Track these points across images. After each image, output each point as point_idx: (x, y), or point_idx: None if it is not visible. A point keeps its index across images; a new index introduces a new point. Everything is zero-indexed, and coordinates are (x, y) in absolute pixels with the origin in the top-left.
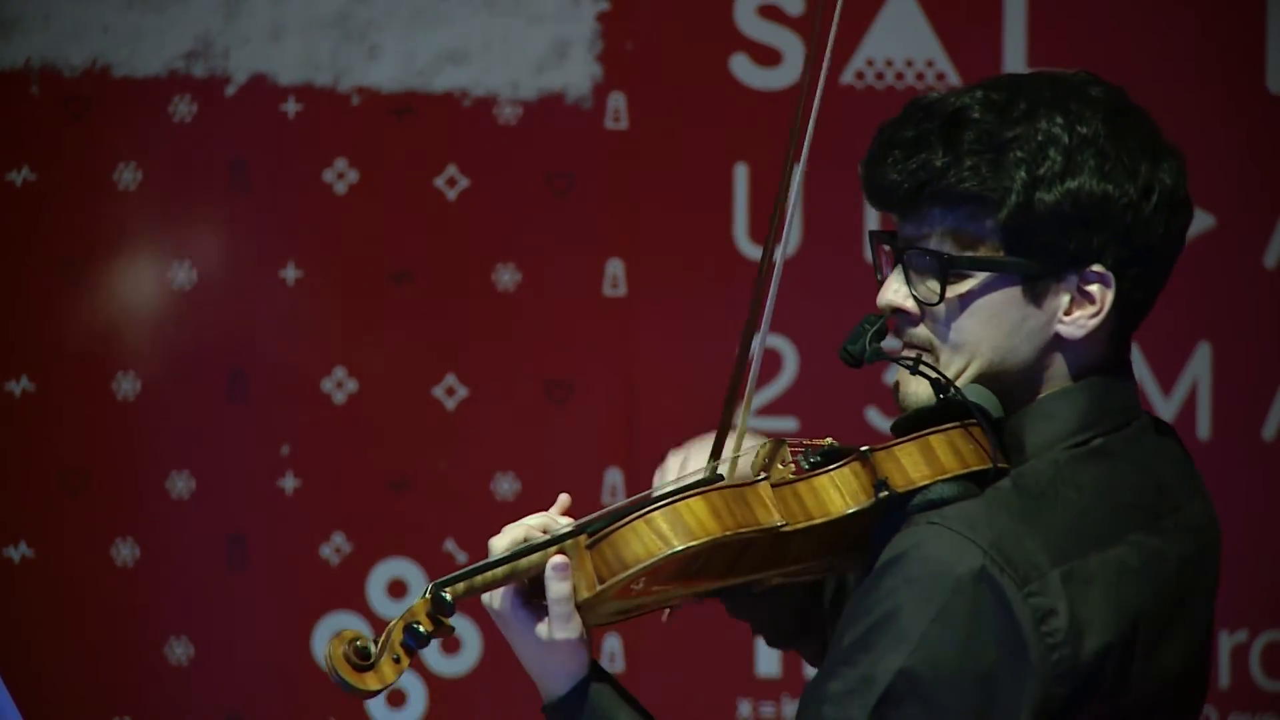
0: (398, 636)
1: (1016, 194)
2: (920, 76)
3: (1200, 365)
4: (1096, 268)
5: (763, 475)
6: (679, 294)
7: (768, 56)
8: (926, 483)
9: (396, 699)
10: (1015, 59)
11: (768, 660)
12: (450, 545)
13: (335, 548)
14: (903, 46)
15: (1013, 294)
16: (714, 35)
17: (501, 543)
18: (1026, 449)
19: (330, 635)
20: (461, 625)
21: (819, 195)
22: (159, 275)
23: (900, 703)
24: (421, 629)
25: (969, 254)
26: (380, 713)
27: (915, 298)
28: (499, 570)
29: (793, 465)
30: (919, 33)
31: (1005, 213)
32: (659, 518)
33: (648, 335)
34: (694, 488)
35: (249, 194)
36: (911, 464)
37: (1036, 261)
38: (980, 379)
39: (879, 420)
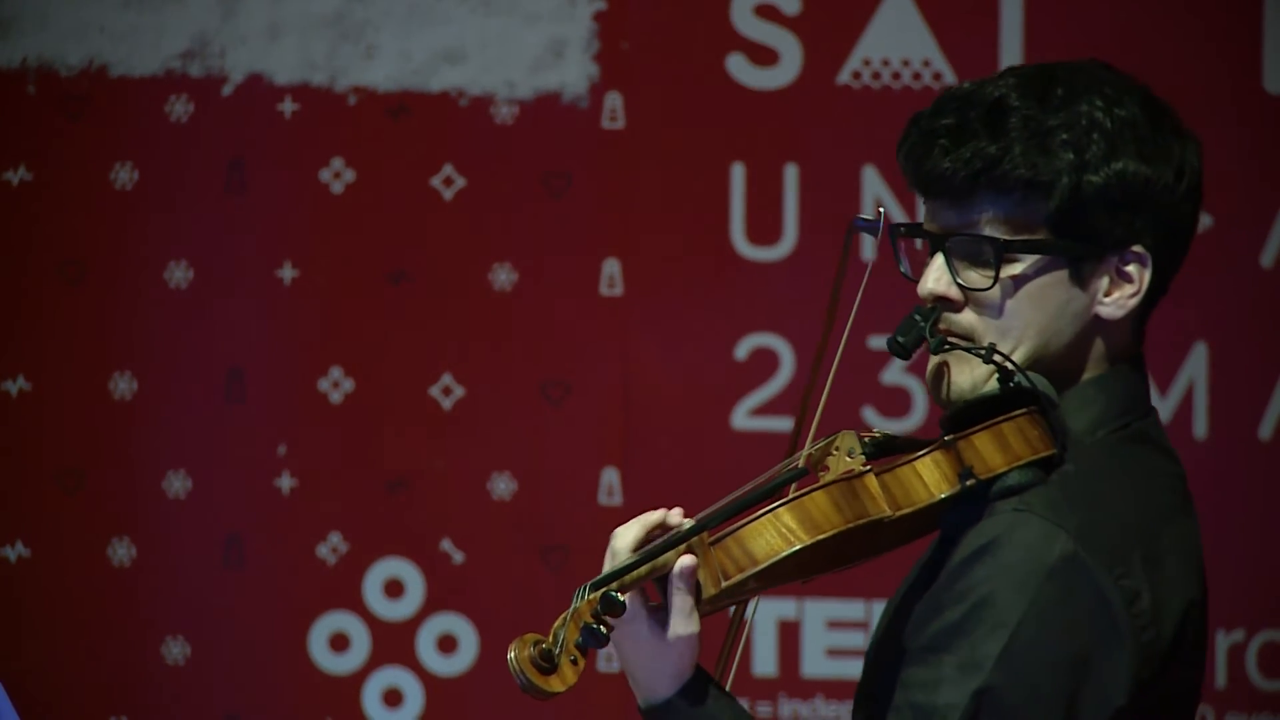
0: (573, 637)
1: (1066, 178)
2: (917, 76)
3: (1197, 365)
4: (1136, 248)
5: (867, 467)
6: (676, 293)
7: (764, 56)
8: (1004, 469)
9: (393, 699)
10: (1012, 59)
11: (764, 660)
12: (447, 544)
13: (332, 547)
14: (899, 46)
15: (1059, 277)
16: (711, 35)
17: (624, 542)
18: (1072, 433)
19: (512, 641)
20: (458, 624)
21: (818, 195)
22: (156, 275)
23: (1000, 688)
24: (602, 630)
25: (1022, 238)
26: (377, 712)
27: (960, 285)
28: (642, 569)
29: (862, 457)
30: (916, 33)
31: (1056, 197)
32: (786, 513)
33: (644, 335)
34: (789, 483)
35: (245, 194)
36: (989, 452)
37: (1083, 244)
38: (1026, 363)
39: (876, 420)
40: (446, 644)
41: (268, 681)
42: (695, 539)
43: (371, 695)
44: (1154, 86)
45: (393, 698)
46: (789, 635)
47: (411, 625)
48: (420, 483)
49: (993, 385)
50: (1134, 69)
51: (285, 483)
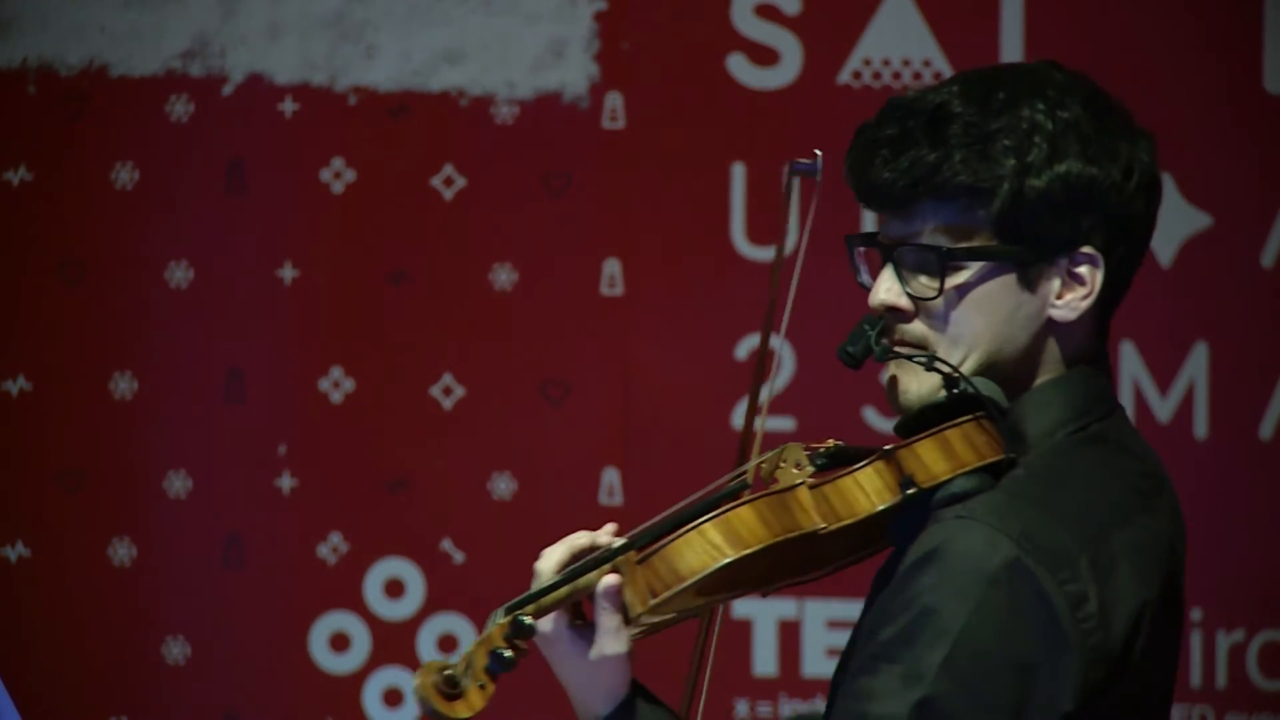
0: (481, 663)
1: (1008, 183)
2: (917, 76)
3: (1197, 365)
4: (1086, 249)
5: (800, 480)
6: (676, 293)
7: (765, 56)
8: (948, 477)
9: (394, 699)
10: (1012, 58)
11: (765, 660)
12: (447, 544)
13: (332, 547)
14: (900, 46)
15: (1007, 282)
16: (711, 35)
17: (548, 564)
18: (1027, 437)
19: (419, 669)
20: (459, 624)
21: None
22: (156, 275)
23: (942, 698)
24: (508, 654)
25: (964, 245)
26: (378, 712)
27: (909, 294)
28: (562, 590)
29: (811, 469)
30: (916, 32)
31: (998, 202)
32: (711, 528)
33: (645, 335)
34: (728, 498)
35: (246, 193)
36: (932, 459)
37: (1029, 248)
38: (979, 369)
39: (876, 419)
40: (447, 644)
41: (268, 681)
42: (622, 558)
43: (372, 695)
44: (1155, 87)
45: (393, 697)
46: (789, 635)
47: (412, 625)
48: (421, 482)
49: (943, 393)
50: (1135, 69)
51: (286, 482)
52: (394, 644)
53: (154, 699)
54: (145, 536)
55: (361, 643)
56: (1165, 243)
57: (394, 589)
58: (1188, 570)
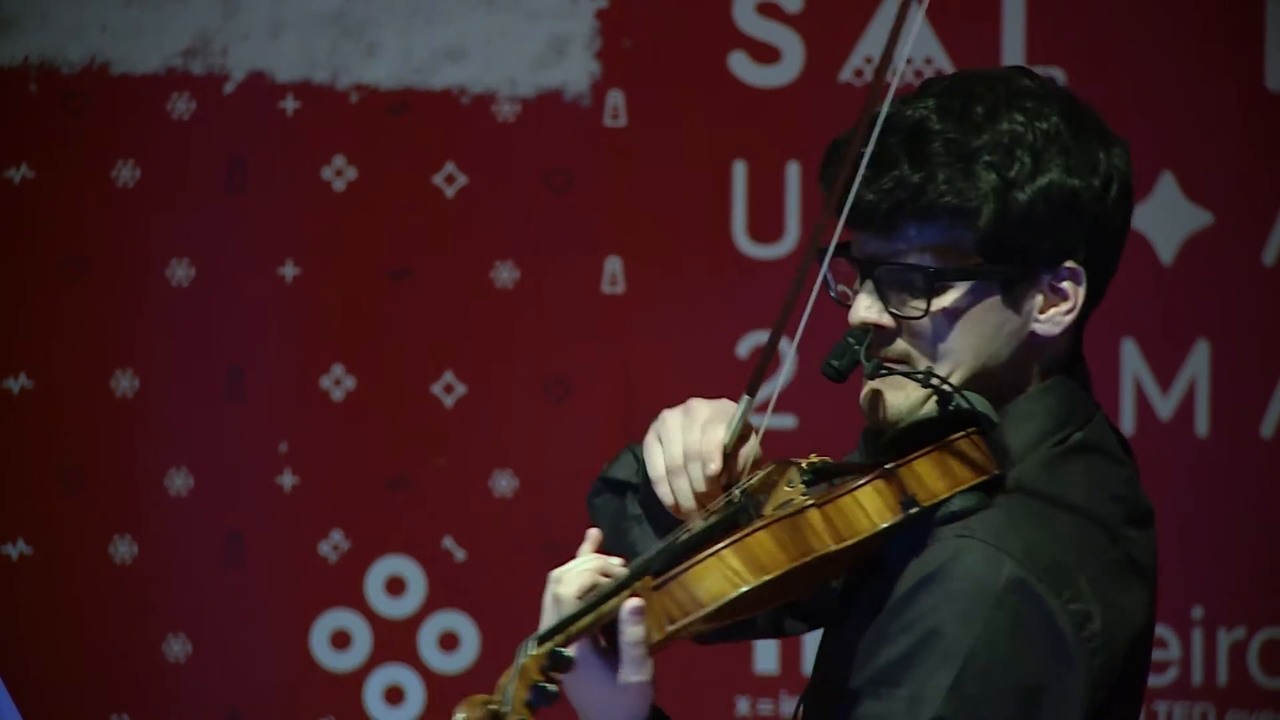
0: (522, 696)
1: (992, 200)
2: (919, 74)
3: (1198, 363)
4: (1069, 264)
5: (810, 501)
6: (677, 291)
7: (766, 54)
8: (947, 495)
9: (395, 696)
10: (1014, 57)
11: (766, 658)
12: (448, 543)
13: (334, 545)
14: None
15: (992, 300)
16: (712, 32)
17: (569, 590)
18: (1011, 452)
19: (459, 703)
20: (460, 622)
21: (817, 193)
22: (157, 272)
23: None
24: (553, 689)
25: (951, 266)
26: (379, 709)
27: (892, 313)
28: (588, 618)
29: (801, 485)
30: (918, 31)
31: (983, 221)
32: (730, 555)
33: (646, 333)
34: (732, 519)
35: (247, 191)
36: (930, 477)
37: (1015, 265)
38: (963, 385)
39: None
40: (448, 641)
41: (269, 679)
42: (639, 584)
43: (373, 693)
44: (1156, 86)
45: (394, 695)
46: None
47: (413, 623)
48: (422, 480)
49: (930, 408)
50: (1136, 68)
51: (287, 480)
52: (395, 642)
53: (155, 697)
54: (146, 534)
55: (362, 640)
56: (1166, 241)
57: (395, 587)
58: (1188, 568)
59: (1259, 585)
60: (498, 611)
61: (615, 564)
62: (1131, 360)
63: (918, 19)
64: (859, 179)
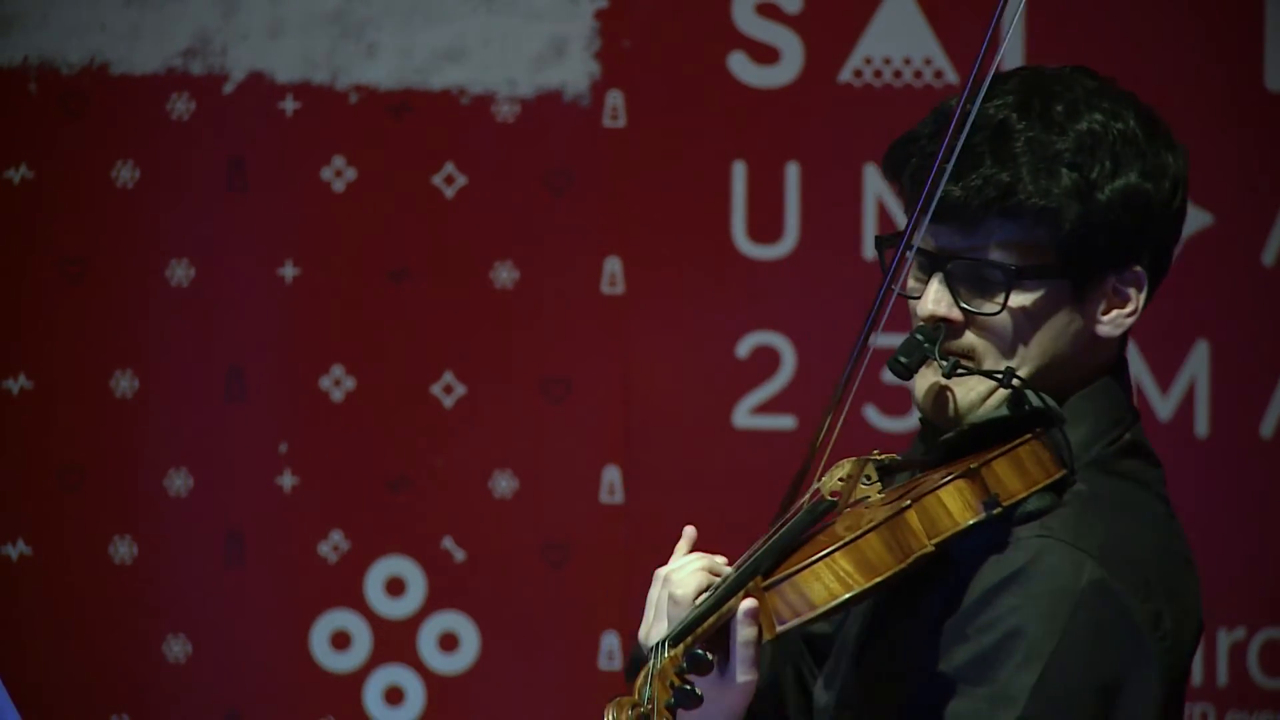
0: (663, 698)
1: (1075, 202)
2: (918, 75)
3: (1198, 363)
4: (1136, 268)
5: (907, 502)
6: (677, 292)
7: (766, 54)
8: (1023, 495)
9: (395, 697)
10: (1013, 58)
11: None
12: (448, 543)
13: (333, 545)
14: (901, 45)
15: (1063, 299)
16: (712, 33)
17: (686, 591)
18: (1069, 451)
19: (608, 705)
20: (459, 623)
21: (819, 193)
22: (157, 273)
23: (1035, 719)
24: (698, 692)
25: (1031, 264)
26: (379, 710)
27: (963, 308)
28: (711, 619)
29: (878, 485)
30: (917, 31)
31: (1065, 221)
32: (842, 558)
33: (646, 333)
34: (819, 518)
35: (247, 192)
36: (1009, 477)
37: (1088, 266)
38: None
39: (877, 419)
40: (448, 642)
41: (269, 679)
42: (751, 584)
43: (373, 693)
44: (1155, 86)
45: (394, 696)
46: None
47: (413, 623)
48: (422, 481)
49: (1002, 406)
50: (1136, 68)
51: (286, 481)
52: (395, 642)
53: (155, 697)
54: (146, 534)
55: (362, 641)
56: None
57: (395, 587)
58: None
59: (1259, 585)
60: (497, 612)
61: (720, 562)
62: (1131, 360)
63: (1019, 12)
64: (946, 174)
